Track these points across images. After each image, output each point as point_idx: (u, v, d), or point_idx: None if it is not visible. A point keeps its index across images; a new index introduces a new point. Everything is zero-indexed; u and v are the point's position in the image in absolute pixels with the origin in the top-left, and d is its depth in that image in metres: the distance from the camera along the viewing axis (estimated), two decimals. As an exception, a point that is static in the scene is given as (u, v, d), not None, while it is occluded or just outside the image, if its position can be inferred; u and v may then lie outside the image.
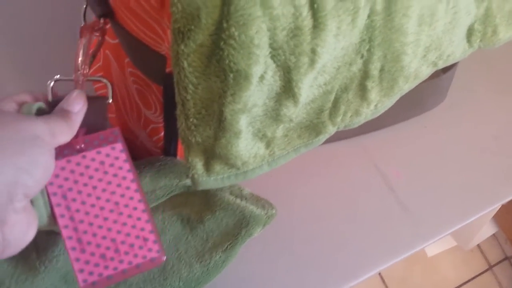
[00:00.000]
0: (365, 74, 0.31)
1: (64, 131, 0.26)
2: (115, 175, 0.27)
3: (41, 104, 0.27)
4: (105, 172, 0.27)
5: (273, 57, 0.25)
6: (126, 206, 0.27)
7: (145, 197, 0.37)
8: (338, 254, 0.46)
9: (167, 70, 0.32)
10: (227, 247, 0.41)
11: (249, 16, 0.23)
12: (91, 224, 0.26)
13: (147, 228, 0.27)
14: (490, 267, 1.43)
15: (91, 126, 0.29)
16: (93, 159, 0.27)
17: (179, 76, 0.26)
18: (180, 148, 0.40)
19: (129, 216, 0.27)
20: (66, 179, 0.27)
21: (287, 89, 0.28)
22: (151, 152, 0.43)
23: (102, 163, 0.27)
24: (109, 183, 0.27)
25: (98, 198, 0.27)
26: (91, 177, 0.27)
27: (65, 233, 0.26)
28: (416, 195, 0.50)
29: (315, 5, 0.24)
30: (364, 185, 0.50)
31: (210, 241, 0.41)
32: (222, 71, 0.25)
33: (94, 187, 0.27)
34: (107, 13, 0.32)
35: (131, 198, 0.27)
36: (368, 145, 0.53)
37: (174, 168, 0.39)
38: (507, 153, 0.55)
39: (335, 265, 0.46)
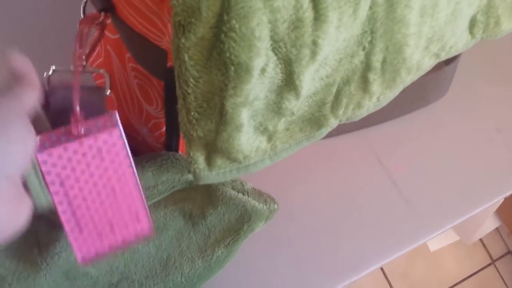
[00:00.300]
0: (367, 66, 0.31)
1: (26, 92, 0.25)
2: (112, 161, 0.28)
3: None
4: (103, 159, 0.27)
5: (274, 49, 0.25)
6: (122, 189, 0.28)
7: (147, 191, 0.38)
8: (340, 248, 0.46)
9: (168, 64, 0.31)
10: (229, 242, 0.41)
11: (250, 8, 0.23)
12: (88, 208, 0.27)
13: (140, 208, 0.29)
14: (493, 262, 1.43)
15: (89, 117, 0.28)
16: (90, 146, 0.27)
17: (180, 69, 0.25)
18: (182, 143, 0.40)
19: (124, 198, 0.28)
20: (64, 167, 0.27)
21: (288, 82, 0.27)
22: (152, 148, 0.43)
23: (99, 150, 0.27)
24: (106, 169, 0.28)
25: (95, 184, 0.27)
26: (88, 165, 0.27)
27: (63, 217, 0.27)
28: (418, 188, 0.50)
29: None
30: (366, 179, 0.50)
31: (212, 236, 0.41)
32: (223, 64, 0.25)
33: (92, 174, 0.27)
34: (108, 7, 0.32)
35: (127, 182, 0.28)
36: (371, 139, 0.52)
37: (176, 163, 0.39)
38: (510, 145, 0.55)
39: (337, 259, 0.46)
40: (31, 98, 0.26)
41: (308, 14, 0.25)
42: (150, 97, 0.37)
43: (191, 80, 0.26)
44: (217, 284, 0.42)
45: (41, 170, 0.26)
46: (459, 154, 0.53)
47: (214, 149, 0.30)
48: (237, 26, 0.23)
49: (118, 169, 0.28)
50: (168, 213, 0.41)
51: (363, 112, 0.35)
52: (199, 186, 0.42)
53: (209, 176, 0.32)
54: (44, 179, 0.27)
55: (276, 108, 0.29)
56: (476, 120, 0.56)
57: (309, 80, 0.28)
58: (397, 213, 0.49)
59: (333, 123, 0.34)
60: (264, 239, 0.45)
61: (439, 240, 1.38)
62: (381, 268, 1.35)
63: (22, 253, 0.37)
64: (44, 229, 0.38)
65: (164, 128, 0.40)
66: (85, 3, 0.33)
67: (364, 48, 0.30)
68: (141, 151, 0.43)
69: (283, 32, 0.24)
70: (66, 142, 0.27)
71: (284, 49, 0.25)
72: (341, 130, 0.49)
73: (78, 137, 0.27)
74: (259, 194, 0.43)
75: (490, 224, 1.34)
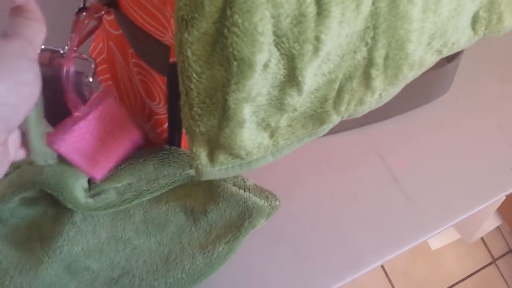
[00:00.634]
0: (369, 62, 0.31)
1: (36, 28, 0.25)
2: (114, 123, 0.34)
3: None
4: (106, 123, 0.33)
5: (277, 44, 0.25)
6: (120, 126, 0.34)
7: (148, 184, 0.40)
8: (342, 246, 0.46)
9: (171, 60, 0.31)
10: (230, 238, 0.41)
11: (253, 3, 0.23)
12: (97, 144, 0.34)
13: (134, 131, 0.36)
14: (494, 260, 1.43)
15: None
16: (94, 117, 0.32)
17: (183, 65, 0.25)
18: (184, 139, 0.40)
19: (121, 128, 0.35)
20: (77, 141, 0.32)
21: (291, 78, 0.27)
22: (155, 144, 0.43)
23: (103, 119, 0.32)
24: (111, 130, 0.34)
25: (103, 142, 0.34)
26: (97, 132, 0.33)
27: (81, 162, 0.33)
28: (420, 185, 0.50)
29: None
30: (368, 176, 0.50)
31: (213, 232, 0.41)
32: (226, 59, 0.25)
33: (100, 138, 0.33)
34: (110, 2, 0.32)
35: (123, 120, 0.34)
36: (373, 136, 0.52)
37: (178, 158, 0.39)
38: (512, 143, 0.55)
39: (338, 257, 0.46)
40: (39, 34, 0.26)
41: (311, 9, 0.25)
42: (152, 93, 0.37)
43: (194, 75, 0.26)
44: (218, 280, 0.42)
45: (58, 153, 0.31)
46: (461, 151, 0.53)
47: (216, 145, 0.30)
48: (240, 21, 0.23)
49: (121, 125, 0.34)
50: (170, 209, 0.41)
51: (365, 109, 0.35)
52: (200, 182, 0.42)
53: (212, 172, 0.32)
54: (62, 156, 0.32)
55: (278, 104, 0.29)
56: (478, 117, 0.56)
57: (312, 76, 0.28)
58: (399, 211, 0.49)
59: (335, 119, 0.34)
60: (265, 236, 0.45)
61: (440, 239, 1.38)
62: (382, 267, 1.35)
63: (25, 247, 0.38)
64: (47, 224, 0.39)
65: (166, 124, 0.40)
66: None
67: (366, 44, 0.30)
68: (143, 147, 0.43)
69: (286, 27, 0.24)
70: (75, 124, 0.31)
71: (287, 44, 0.25)
72: (343, 127, 0.49)
73: (83, 117, 0.31)
74: (260, 191, 0.43)
75: (492, 222, 1.34)
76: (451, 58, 0.51)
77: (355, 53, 0.30)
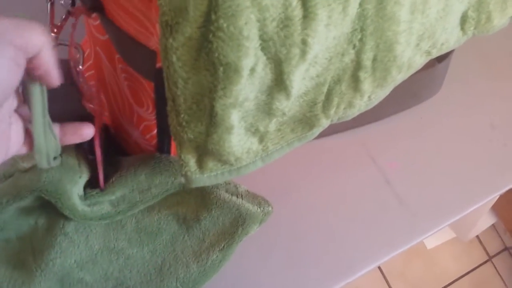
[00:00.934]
0: (357, 65, 0.31)
1: (32, 27, 0.24)
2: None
3: None
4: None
5: (263, 49, 0.25)
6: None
7: (141, 195, 0.39)
8: (336, 249, 0.46)
9: (158, 65, 0.31)
10: (223, 246, 0.40)
11: (238, 7, 0.22)
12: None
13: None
14: (490, 258, 1.43)
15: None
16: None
17: (169, 70, 0.25)
18: (174, 145, 0.40)
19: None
20: None
21: (278, 82, 0.27)
22: (145, 150, 0.42)
23: None
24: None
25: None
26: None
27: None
28: (413, 187, 0.50)
29: None
30: (360, 178, 0.50)
31: (206, 240, 0.40)
32: (211, 64, 0.24)
33: None
34: (96, 6, 0.31)
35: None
36: (364, 138, 0.52)
37: (169, 166, 0.39)
38: (505, 141, 0.55)
39: (333, 260, 0.45)
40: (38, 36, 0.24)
41: (297, 12, 0.24)
42: (140, 99, 0.37)
43: (180, 81, 0.25)
44: (212, 288, 0.42)
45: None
46: (453, 152, 0.53)
47: (205, 151, 0.30)
48: (225, 25, 0.22)
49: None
50: (162, 217, 0.41)
51: (355, 112, 0.34)
52: (192, 189, 0.41)
53: (201, 179, 0.31)
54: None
55: (267, 108, 0.29)
56: (470, 117, 0.56)
57: (300, 79, 0.28)
58: (392, 213, 0.48)
59: (324, 123, 0.33)
60: (258, 242, 0.44)
61: (436, 238, 1.39)
62: (379, 268, 1.35)
63: (17, 260, 0.37)
64: (38, 236, 0.38)
65: (155, 131, 0.39)
66: None
67: (354, 46, 0.29)
68: (133, 154, 0.43)
69: (272, 31, 0.24)
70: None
71: (274, 49, 0.25)
72: (334, 129, 0.49)
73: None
74: (253, 197, 0.43)
75: (487, 220, 1.34)
76: (442, 58, 0.51)
77: (343, 56, 0.29)
